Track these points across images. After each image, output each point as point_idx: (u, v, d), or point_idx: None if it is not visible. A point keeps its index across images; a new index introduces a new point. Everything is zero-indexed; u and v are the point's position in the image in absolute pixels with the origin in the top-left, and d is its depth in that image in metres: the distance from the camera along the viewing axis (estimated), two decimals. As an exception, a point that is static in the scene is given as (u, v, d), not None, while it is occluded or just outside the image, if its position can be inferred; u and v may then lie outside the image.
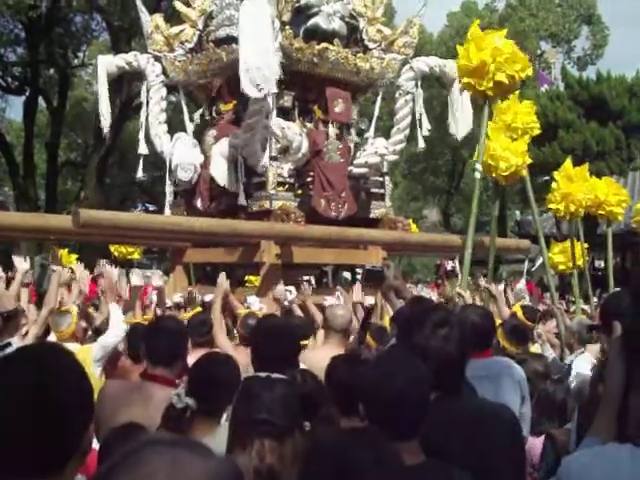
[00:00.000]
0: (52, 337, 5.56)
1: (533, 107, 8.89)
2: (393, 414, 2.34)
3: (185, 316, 6.58)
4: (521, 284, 10.65)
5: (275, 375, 2.70)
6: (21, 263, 6.15)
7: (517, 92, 8.52)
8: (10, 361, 1.77)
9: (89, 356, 5.08)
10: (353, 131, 9.35)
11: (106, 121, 9.03)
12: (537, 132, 8.90)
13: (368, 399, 2.44)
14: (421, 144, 9.20)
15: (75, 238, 8.25)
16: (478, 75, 7.33)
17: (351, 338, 5.44)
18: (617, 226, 21.74)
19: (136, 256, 11.92)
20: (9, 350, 4.36)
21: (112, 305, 5.54)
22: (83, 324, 5.96)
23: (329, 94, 8.75)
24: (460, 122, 9.27)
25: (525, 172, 8.57)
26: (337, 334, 5.28)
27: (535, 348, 6.75)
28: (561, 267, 10.96)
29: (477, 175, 7.58)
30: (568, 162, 9.69)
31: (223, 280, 6.57)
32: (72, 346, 5.15)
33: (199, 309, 6.82)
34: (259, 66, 7.02)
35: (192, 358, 5.08)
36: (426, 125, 9.10)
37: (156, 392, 3.62)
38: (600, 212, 9.47)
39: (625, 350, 2.09)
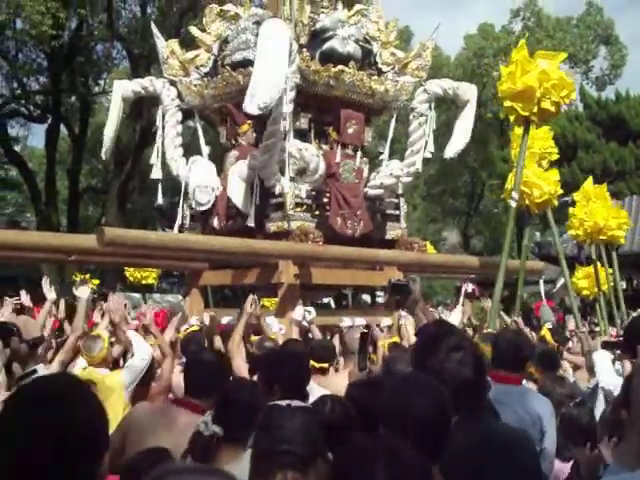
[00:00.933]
0: (81, 362, 5.55)
1: (550, 133, 8.86)
2: (414, 438, 2.33)
3: (179, 335, 6.60)
4: (545, 306, 10.64)
5: (295, 403, 2.68)
6: (50, 293, 6.17)
7: (573, 108, 8.48)
8: (27, 394, 1.79)
9: (119, 382, 5.08)
10: (359, 153, 9.34)
11: (106, 144, 9.08)
12: (555, 157, 8.90)
13: (389, 422, 2.44)
14: (419, 165, 9.17)
15: (96, 260, 8.27)
16: (522, 99, 7.12)
17: (351, 365, 5.40)
18: (638, 246, 21.64)
19: (150, 281, 11.87)
20: (34, 377, 4.41)
21: (130, 332, 5.56)
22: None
23: (343, 116, 8.81)
24: (453, 142, 9.27)
25: (556, 201, 8.56)
26: (355, 356, 5.28)
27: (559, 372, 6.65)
28: (585, 292, 10.89)
29: (512, 204, 7.42)
30: (588, 181, 9.67)
31: (249, 305, 6.55)
32: (102, 371, 5.17)
33: (195, 327, 6.83)
34: (265, 88, 7.10)
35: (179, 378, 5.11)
36: (430, 148, 9.09)
37: (181, 417, 3.67)
38: (602, 237, 9.35)
39: None
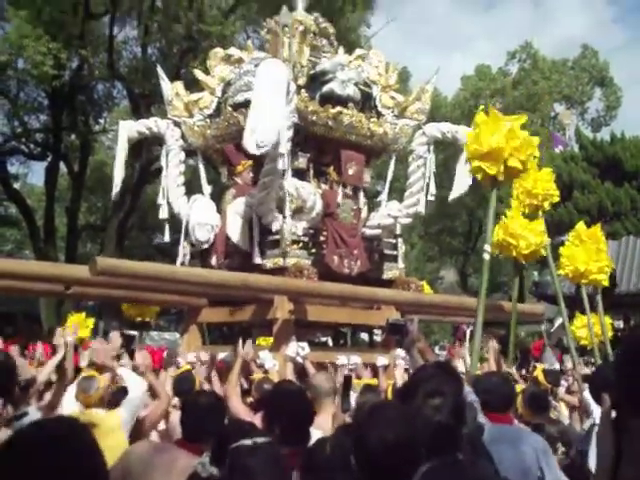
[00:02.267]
0: (71, 403, 5.55)
1: (552, 175, 8.96)
2: (381, 467, 2.36)
3: (171, 374, 6.59)
4: (548, 351, 10.64)
5: (260, 440, 2.73)
6: (61, 348, 6.11)
7: (536, 158, 8.56)
8: (24, 439, 1.78)
9: (118, 421, 5.08)
10: (361, 194, 9.43)
11: (117, 187, 9.26)
12: (556, 200, 8.98)
13: (357, 449, 2.46)
14: (421, 209, 9.32)
15: (93, 293, 8.28)
16: (489, 159, 7.19)
17: (330, 407, 5.38)
18: (635, 285, 21.71)
19: (147, 318, 11.76)
20: (26, 419, 4.40)
21: (120, 369, 5.58)
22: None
23: (344, 157, 8.93)
24: (455, 185, 9.44)
25: (544, 251, 8.62)
26: (329, 397, 5.28)
27: (554, 415, 6.66)
28: (583, 342, 10.87)
29: (486, 257, 7.39)
30: (580, 224, 9.75)
31: (241, 348, 6.59)
32: (99, 412, 5.17)
33: (188, 367, 6.81)
34: (265, 127, 7.20)
35: (175, 417, 5.10)
36: (432, 191, 9.24)
37: (181, 458, 3.68)
38: (584, 281, 9.39)
39: (614, 422, 2.10)
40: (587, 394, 5.48)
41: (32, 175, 59.01)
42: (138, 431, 5.34)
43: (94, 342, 6.05)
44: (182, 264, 9.02)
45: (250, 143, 7.26)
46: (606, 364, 4.56)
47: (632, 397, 1.96)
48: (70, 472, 1.68)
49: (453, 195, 9.64)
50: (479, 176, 7.45)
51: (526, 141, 7.19)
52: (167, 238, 9.56)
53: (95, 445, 1.81)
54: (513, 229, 8.16)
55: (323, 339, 13.97)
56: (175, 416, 5.76)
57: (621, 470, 1.98)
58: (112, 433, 4.89)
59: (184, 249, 8.98)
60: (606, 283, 9.62)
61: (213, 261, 8.66)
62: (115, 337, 5.93)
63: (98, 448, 1.81)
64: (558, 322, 22.48)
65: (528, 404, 5.47)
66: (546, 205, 8.79)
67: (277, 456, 2.68)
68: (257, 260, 8.25)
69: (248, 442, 2.69)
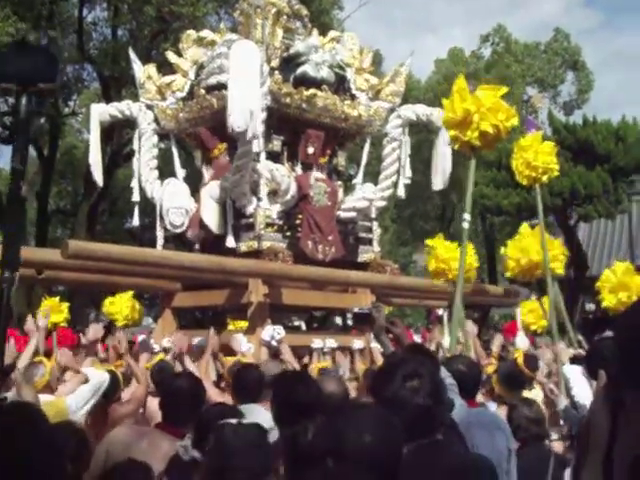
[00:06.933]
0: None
1: (555, 148, 8.94)
2: (359, 471, 2.26)
3: (147, 365, 6.55)
4: (520, 337, 10.65)
5: (246, 420, 2.71)
6: (34, 334, 6.12)
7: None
8: None
9: (64, 407, 5.04)
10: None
11: (97, 171, 9.13)
12: (556, 174, 8.96)
13: (334, 453, 2.33)
14: (401, 192, 9.31)
15: (65, 278, 8.15)
16: (463, 126, 7.27)
17: None
18: (606, 268, 21.90)
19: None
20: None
21: (85, 369, 5.57)
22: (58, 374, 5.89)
23: (304, 136, 8.84)
24: (438, 173, 9.38)
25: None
26: None
27: (534, 394, 6.64)
28: (533, 327, 10.85)
29: (465, 225, 7.44)
30: (524, 226, 9.70)
31: (213, 336, 6.61)
32: (45, 397, 5.11)
33: (162, 356, 6.77)
34: (244, 107, 7.14)
35: (153, 404, 5.07)
36: (408, 174, 9.20)
37: (164, 442, 3.67)
38: (538, 272, 9.34)
39: (610, 398, 2.07)
40: (569, 374, 5.47)
41: (0, 159, 58.23)
42: (119, 415, 5.34)
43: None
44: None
45: (232, 127, 7.20)
46: (602, 341, 4.55)
47: (631, 369, 1.92)
48: (24, 457, 1.68)
49: (438, 185, 9.54)
50: (457, 145, 7.51)
51: (497, 106, 7.21)
52: (136, 222, 9.42)
53: (48, 428, 1.81)
54: (442, 255, 8.37)
55: (296, 323, 13.94)
56: (152, 402, 5.73)
57: (617, 445, 1.95)
58: (54, 420, 4.83)
59: (160, 233, 8.90)
60: (561, 271, 9.55)
61: (190, 237, 8.59)
62: (96, 329, 5.93)
63: (52, 430, 1.83)
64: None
65: (504, 382, 5.45)
66: (544, 178, 8.78)
67: (261, 437, 2.65)
68: (231, 243, 8.19)
69: (233, 421, 2.68)
